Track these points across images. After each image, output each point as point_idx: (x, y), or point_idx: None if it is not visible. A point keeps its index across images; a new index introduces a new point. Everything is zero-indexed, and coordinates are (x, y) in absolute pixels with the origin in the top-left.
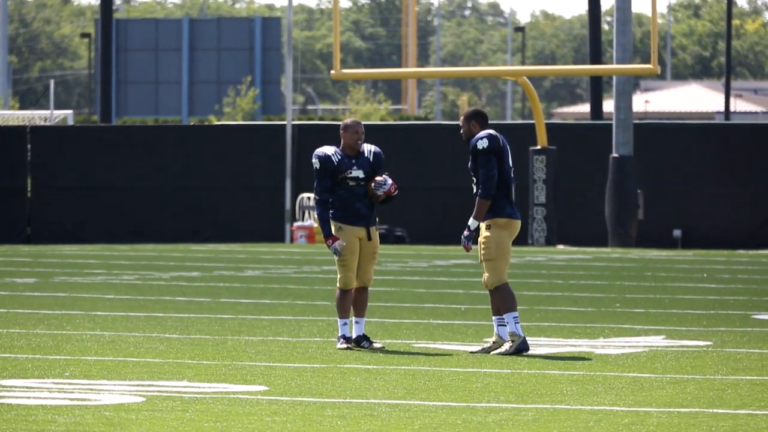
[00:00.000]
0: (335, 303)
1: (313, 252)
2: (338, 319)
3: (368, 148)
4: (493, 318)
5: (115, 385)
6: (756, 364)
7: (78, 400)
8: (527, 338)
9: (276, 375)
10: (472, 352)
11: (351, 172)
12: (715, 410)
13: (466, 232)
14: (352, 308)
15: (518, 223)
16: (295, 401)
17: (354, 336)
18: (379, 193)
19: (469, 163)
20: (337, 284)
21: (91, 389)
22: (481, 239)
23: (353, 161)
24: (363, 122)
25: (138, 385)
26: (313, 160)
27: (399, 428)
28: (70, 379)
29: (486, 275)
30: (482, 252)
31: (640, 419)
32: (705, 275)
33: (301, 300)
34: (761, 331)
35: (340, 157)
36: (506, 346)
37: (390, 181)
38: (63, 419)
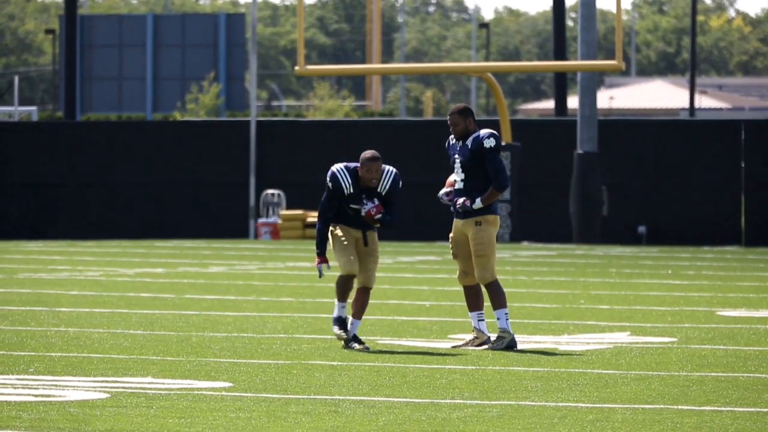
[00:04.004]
0: (335, 285)
1: (277, 248)
2: (336, 302)
3: (385, 183)
4: (471, 313)
5: (79, 381)
6: (721, 360)
7: (42, 396)
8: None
9: (240, 371)
10: (454, 347)
11: (355, 206)
12: (679, 407)
13: (467, 202)
14: (350, 306)
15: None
16: (259, 397)
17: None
18: (362, 212)
19: (458, 157)
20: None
21: (56, 385)
22: (473, 236)
23: (364, 196)
24: (327, 119)
25: (102, 382)
26: (327, 179)
27: (363, 424)
28: (35, 375)
29: (478, 271)
30: (475, 248)
31: (605, 416)
32: (670, 271)
33: (266, 296)
34: (726, 328)
35: (352, 191)
36: (494, 342)
37: (370, 205)
38: (27, 415)
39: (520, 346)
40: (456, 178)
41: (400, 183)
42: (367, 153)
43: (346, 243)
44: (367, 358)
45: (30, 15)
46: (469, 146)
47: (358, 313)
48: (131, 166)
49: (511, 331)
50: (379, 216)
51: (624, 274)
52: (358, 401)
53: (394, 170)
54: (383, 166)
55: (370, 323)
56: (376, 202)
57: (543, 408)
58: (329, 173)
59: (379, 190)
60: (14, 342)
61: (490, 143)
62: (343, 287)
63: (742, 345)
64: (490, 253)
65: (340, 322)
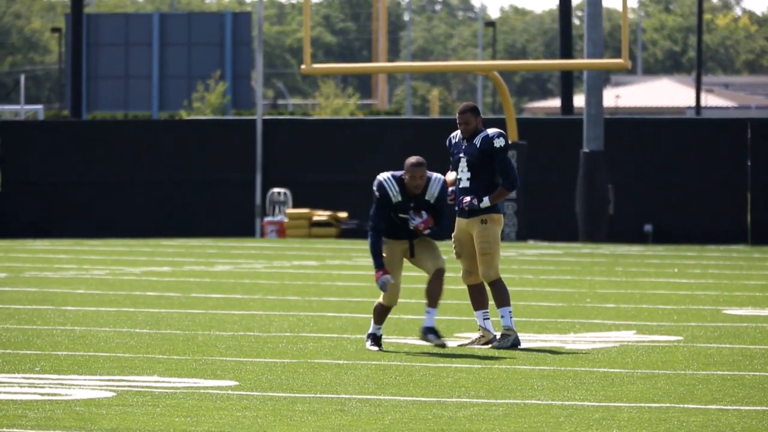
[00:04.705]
0: (373, 309)
1: (283, 247)
2: (372, 322)
3: (432, 191)
4: (477, 312)
5: (85, 379)
6: (727, 359)
7: (48, 394)
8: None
9: (246, 370)
10: (460, 345)
11: (404, 216)
12: (686, 405)
13: (474, 201)
14: (426, 297)
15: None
16: (265, 396)
17: (423, 326)
18: (410, 226)
19: (464, 156)
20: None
21: (62, 384)
22: (479, 234)
23: (411, 205)
24: (333, 117)
25: (108, 380)
26: (374, 188)
27: (369, 423)
28: (41, 373)
29: (482, 269)
30: (480, 246)
31: (611, 414)
32: (676, 270)
33: (272, 295)
34: (732, 327)
35: (400, 198)
36: (500, 340)
37: (418, 220)
38: (33, 414)
39: (526, 345)
40: (460, 176)
41: (449, 190)
42: (412, 159)
43: (389, 268)
44: (373, 356)
45: (36, 14)
46: (478, 145)
47: (432, 302)
48: (137, 164)
49: (515, 329)
50: (428, 231)
51: (630, 273)
52: (364, 400)
53: (442, 177)
54: (431, 173)
55: None
56: (425, 216)
57: (549, 407)
58: (376, 182)
59: (426, 197)
60: (20, 340)
61: (500, 143)
62: (379, 313)
63: (749, 343)
64: (495, 251)
65: (374, 338)
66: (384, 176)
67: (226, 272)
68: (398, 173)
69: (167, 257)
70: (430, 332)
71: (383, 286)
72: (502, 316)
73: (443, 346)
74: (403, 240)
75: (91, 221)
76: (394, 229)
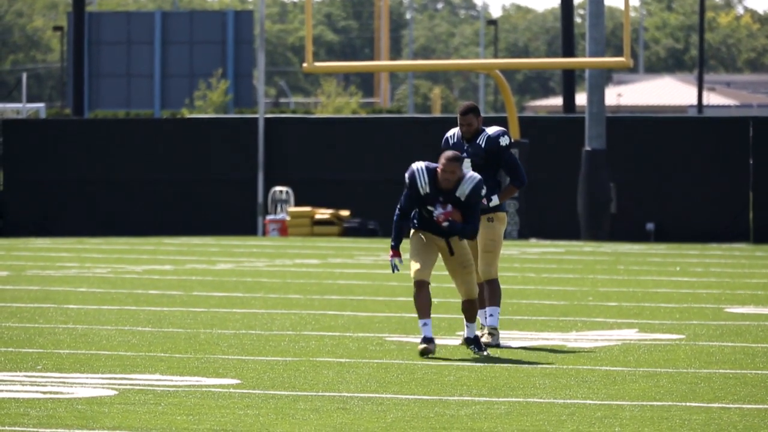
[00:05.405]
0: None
1: (285, 245)
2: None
3: (464, 188)
4: (479, 310)
5: (87, 378)
6: (729, 357)
7: (50, 393)
8: (500, 332)
9: (248, 368)
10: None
11: (430, 209)
12: (688, 404)
13: (484, 200)
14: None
15: None
16: (267, 394)
17: (464, 336)
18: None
19: (468, 157)
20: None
21: (64, 382)
22: (484, 232)
23: (440, 199)
24: (335, 116)
25: (110, 379)
26: (406, 177)
27: (371, 421)
28: (43, 372)
29: (483, 266)
30: (484, 244)
31: (613, 413)
32: (678, 268)
33: (274, 293)
34: (734, 325)
35: (428, 190)
36: (491, 339)
37: (440, 210)
38: (35, 412)
39: (528, 344)
40: None
41: (483, 190)
42: (448, 152)
43: (419, 248)
44: (375, 354)
45: (38, 12)
46: (483, 145)
47: (471, 317)
48: (139, 163)
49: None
50: (446, 224)
51: (632, 271)
52: (366, 398)
53: (479, 177)
54: (469, 172)
55: (378, 320)
56: (449, 208)
57: (551, 405)
58: (408, 171)
59: (457, 194)
60: (22, 339)
61: (505, 141)
62: (417, 301)
63: (751, 342)
64: (497, 250)
65: (426, 340)
66: (417, 165)
67: (228, 270)
68: (433, 165)
69: (169, 255)
70: (472, 343)
71: (394, 267)
72: (490, 315)
73: (486, 354)
74: (439, 237)
75: (92, 219)
76: (428, 223)
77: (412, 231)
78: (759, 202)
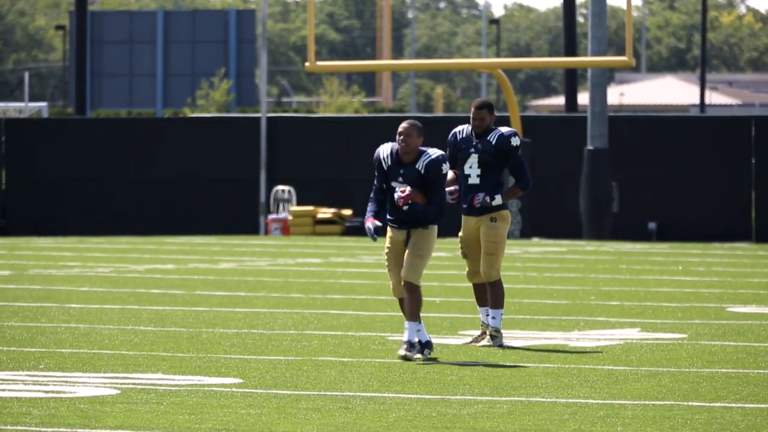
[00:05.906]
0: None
1: (287, 244)
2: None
3: (424, 159)
4: (481, 309)
5: (89, 377)
6: (731, 356)
7: (53, 392)
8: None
9: (251, 367)
10: (466, 343)
11: (394, 185)
12: (690, 403)
13: (487, 198)
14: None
15: None
16: (269, 394)
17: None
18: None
19: (475, 153)
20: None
21: (66, 381)
22: (487, 232)
23: (401, 171)
24: (337, 115)
25: (113, 378)
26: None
27: (374, 421)
28: (45, 371)
29: (485, 267)
30: (487, 245)
31: (615, 412)
32: (680, 268)
33: (276, 293)
34: (736, 324)
35: (390, 163)
36: (493, 341)
37: (399, 194)
38: (38, 411)
39: (530, 343)
40: (468, 172)
41: (444, 168)
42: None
43: (391, 261)
44: (378, 354)
45: (40, 11)
46: (493, 142)
47: (410, 315)
48: (141, 162)
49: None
50: (406, 207)
51: (634, 271)
52: (368, 398)
53: (439, 153)
54: (432, 149)
55: (380, 320)
56: (408, 190)
57: (553, 404)
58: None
59: (417, 166)
60: (25, 338)
61: (516, 141)
62: (402, 308)
63: (753, 341)
64: (500, 252)
65: (408, 345)
66: (383, 145)
67: (230, 270)
68: (398, 146)
69: (171, 254)
70: (410, 348)
71: (372, 236)
72: (493, 317)
73: (409, 360)
74: (401, 230)
75: (95, 219)
76: (394, 212)
77: (388, 229)
78: (761, 201)
